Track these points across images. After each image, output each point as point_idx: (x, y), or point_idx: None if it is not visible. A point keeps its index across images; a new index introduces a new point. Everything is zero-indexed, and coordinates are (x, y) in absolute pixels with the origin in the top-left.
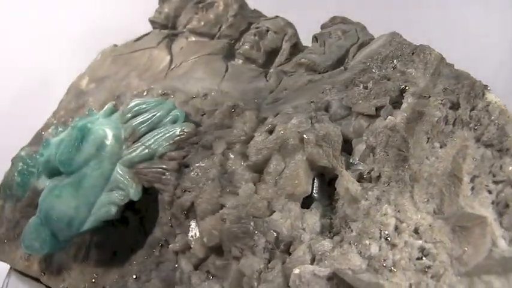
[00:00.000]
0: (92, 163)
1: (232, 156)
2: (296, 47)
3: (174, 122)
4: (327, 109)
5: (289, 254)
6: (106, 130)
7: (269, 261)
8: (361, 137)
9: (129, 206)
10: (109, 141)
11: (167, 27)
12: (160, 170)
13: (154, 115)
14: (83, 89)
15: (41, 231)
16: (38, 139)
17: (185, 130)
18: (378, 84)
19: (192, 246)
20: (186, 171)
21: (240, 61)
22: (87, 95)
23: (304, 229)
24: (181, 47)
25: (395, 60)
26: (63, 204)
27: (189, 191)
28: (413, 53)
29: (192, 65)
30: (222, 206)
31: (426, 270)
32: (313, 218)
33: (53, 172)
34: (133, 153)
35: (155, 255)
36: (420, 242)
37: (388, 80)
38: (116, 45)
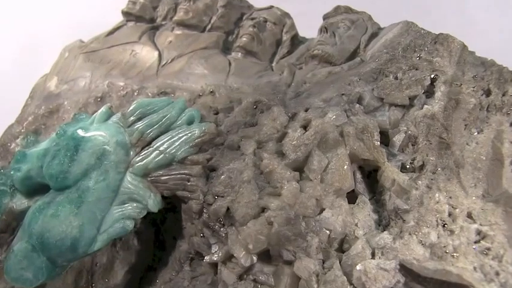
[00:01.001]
0: (93, 175)
1: (266, 155)
2: (295, 38)
3: (190, 122)
4: (359, 101)
5: (343, 251)
6: (106, 136)
7: (323, 262)
8: (398, 128)
9: (143, 218)
10: (112, 148)
11: (144, 19)
12: (184, 176)
13: (165, 116)
14: (53, 91)
15: (34, 259)
16: (4, 152)
17: (206, 131)
18: (407, 74)
19: (234, 254)
20: (214, 176)
21: (240, 54)
22: (59, 97)
23: (356, 224)
24: (170, 41)
25: (418, 50)
26: (63, 224)
27: (223, 196)
28: (435, 42)
29: (188, 61)
30: (264, 209)
31: (486, 252)
32: (363, 213)
33: (35, 188)
34: (147, 160)
35: (185, 270)
36: (476, 225)
37: (416, 69)
38: (82, 41)
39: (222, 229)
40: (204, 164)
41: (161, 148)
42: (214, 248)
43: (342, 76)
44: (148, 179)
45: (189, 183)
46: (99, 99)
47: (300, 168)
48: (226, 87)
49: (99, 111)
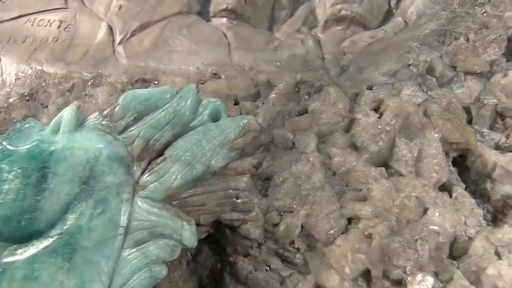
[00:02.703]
0: (82, 207)
1: (336, 150)
2: None
3: (215, 118)
4: (430, 72)
5: (453, 257)
6: (90, 149)
7: (436, 274)
8: (481, 101)
9: None
10: (105, 166)
11: None
12: (230, 191)
13: (176, 112)
14: None
15: None
16: None
17: (246, 127)
18: (479, 35)
19: (326, 285)
20: (272, 186)
21: (226, 20)
22: None
23: (465, 222)
24: (119, 5)
25: (479, 3)
26: None
27: (291, 211)
28: None
29: (161, 33)
30: (351, 220)
31: None
32: (466, 207)
33: None
34: (166, 177)
35: None
36: None
37: (487, 28)
38: None
39: (297, 255)
40: (253, 171)
41: (184, 157)
42: (292, 283)
43: (394, 42)
44: (174, 202)
45: (239, 201)
46: (27, 97)
47: (383, 162)
48: (235, 66)
49: (65, 114)
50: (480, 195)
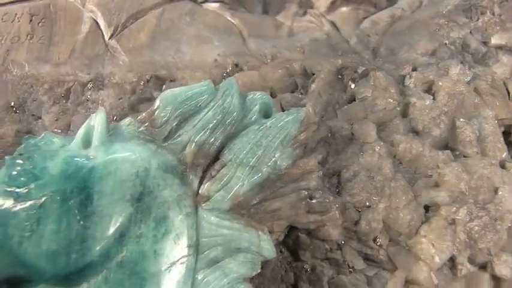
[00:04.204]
0: (139, 229)
1: (399, 137)
2: None
3: (266, 114)
4: (465, 49)
5: None
6: (136, 161)
7: None
8: None
9: None
10: (159, 178)
11: None
12: (302, 192)
13: (225, 110)
14: None
15: None
16: None
17: (306, 120)
18: (503, 7)
19: (419, 277)
20: (341, 181)
21: (219, 5)
22: None
23: None
24: None
25: None
26: None
27: (369, 206)
28: None
29: (157, 24)
30: (428, 208)
31: None
32: None
33: None
34: (231, 184)
35: None
36: None
37: (507, 0)
38: None
39: (380, 252)
40: (319, 168)
41: (246, 160)
42: (380, 282)
43: (419, 20)
44: (242, 211)
45: (314, 201)
46: (14, 108)
47: (445, 145)
48: (255, 55)
49: (94, 122)
50: None
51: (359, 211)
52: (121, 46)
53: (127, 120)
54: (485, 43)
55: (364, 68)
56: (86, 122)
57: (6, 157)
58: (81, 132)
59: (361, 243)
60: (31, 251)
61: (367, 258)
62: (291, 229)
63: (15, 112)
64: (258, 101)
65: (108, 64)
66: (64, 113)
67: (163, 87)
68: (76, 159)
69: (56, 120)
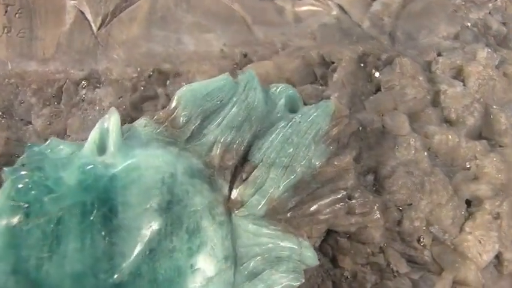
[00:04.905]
0: (171, 243)
1: (434, 128)
2: None
3: (293, 108)
4: (487, 31)
5: None
6: (160, 167)
7: None
8: None
9: None
10: (187, 184)
11: None
12: (341, 193)
13: (249, 106)
14: None
15: None
16: None
17: (336, 114)
18: None
19: (469, 277)
20: (381, 177)
21: None
22: None
23: None
24: None
25: None
26: None
27: (410, 204)
28: None
29: (152, 12)
30: (470, 202)
31: None
32: None
33: None
34: (265, 187)
35: None
36: None
37: None
38: None
39: (425, 252)
40: (354, 165)
41: (279, 160)
42: (426, 285)
43: (433, 2)
44: (279, 217)
45: (353, 201)
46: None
47: (478, 134)
48: (264, 44)
49: (109, 125)
50: None
51: (400, 210)
52: (113, 38)
53: (142, 121)
54: (504, 24)
55: (387, 55)
56: (98, 124)
57: (6, 169)
58: (94, 136)
59: (405, 244)
60: (54, 274)
61: (410, 261)
62: (328, 233)
63: (2, 117)
64: (283, 94)
65: (102, 59)
66: (57, 115)
67: (168, 82)
68: (93, 167)
69: (49, 124)
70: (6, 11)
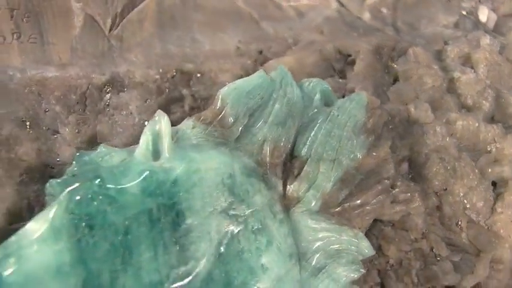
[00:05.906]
0: (238, 244)
1: (455, 115)
2: None
3: (327, 102)
4: (479, 20)
5: None
6: (220, 166)
7: None
8: None
9: None
10: (246, 183)
11: None
12: (385, 182)
13: (290, 101)
14: None
15: None
16: None
17: (370, 105)
18: None
19: (501, 257)
20: (416, 165)
21: None
22: None
23: None
24: None
25: None
26: None
27: (445, 189)
28: None
29: (161, 10)
30: (495, 184)
31: None
32: None
33: None
34: (318, 182)
35: None
36: None
37: None
38: None
39: (462, 235)
40: (391, 155)
41: (326, 154)
42: (467, 266)
43: None
44: (332, 210)
45: (397, 190)
46: (26, 122)
47: (491, 117)
48: (275, 39)
49: (160, 128)
50: None
51: (438, 195)
52: (126, 39)
53: (190, 122)
54: (494, 10)
55: (400, 46)
56: (147, 128)
57: (53, 180)
58: (147, 140)
59: (445, 228)
60: (132, 287)
61: (449, 244)
62: (373, 223)
63: (30, 128)
64: (317, 88)
65: (120, 62)
66: (84, 123)
67: (191, 82)
68: (154, 172)
69: (78, 132)
70: (12, 16)
